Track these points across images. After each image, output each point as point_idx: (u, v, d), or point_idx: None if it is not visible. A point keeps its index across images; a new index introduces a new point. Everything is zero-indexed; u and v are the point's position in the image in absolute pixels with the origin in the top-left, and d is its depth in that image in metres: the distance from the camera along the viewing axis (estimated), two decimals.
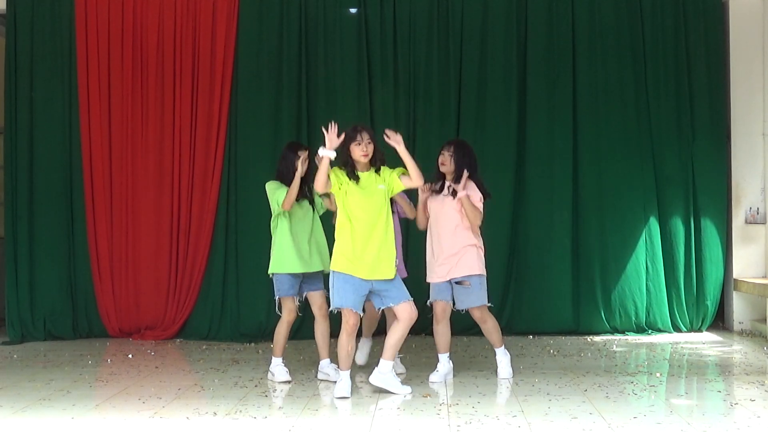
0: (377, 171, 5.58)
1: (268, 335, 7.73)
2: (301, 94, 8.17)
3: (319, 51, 8.22)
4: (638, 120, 8.18)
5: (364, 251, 5.44)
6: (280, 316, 6.11)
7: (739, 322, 8.26)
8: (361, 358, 6.48)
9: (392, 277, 5.52)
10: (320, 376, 6.13)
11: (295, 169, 5.88)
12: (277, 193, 5.95)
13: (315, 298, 6.09)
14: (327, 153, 5.40)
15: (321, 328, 6.10)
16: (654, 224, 8.10)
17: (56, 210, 8.13)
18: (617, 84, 8.20)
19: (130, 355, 7.13)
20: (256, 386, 5.86)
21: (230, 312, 8.01)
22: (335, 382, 5.69)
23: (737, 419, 4.79)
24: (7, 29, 8.26)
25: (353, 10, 8.24)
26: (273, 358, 6.12)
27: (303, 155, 5.94)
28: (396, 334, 5.57)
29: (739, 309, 8.28)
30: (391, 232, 5.58)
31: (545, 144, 8.17)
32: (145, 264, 8.09)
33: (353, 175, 5.51)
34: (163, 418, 4.96)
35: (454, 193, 5.86)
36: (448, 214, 5.90)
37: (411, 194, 6.14)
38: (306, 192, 6.04)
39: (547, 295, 8.08)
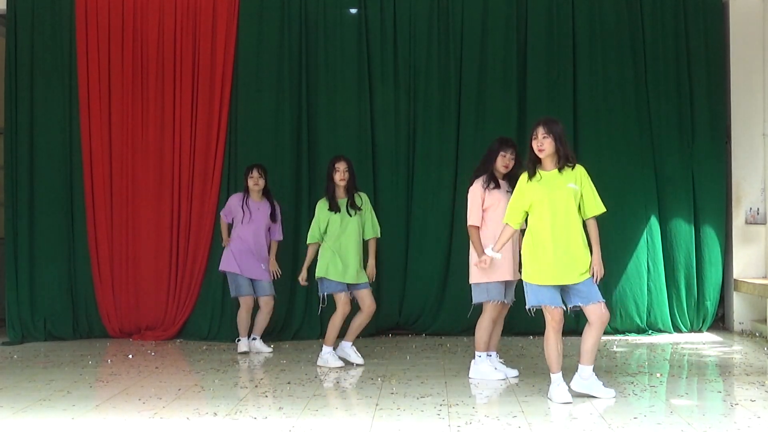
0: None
1: (267, 335, 7.73)
2: (301, 94, 8.18)
3: (319, 51, 8.23)
4: (638, 120, 8.18)
5: None
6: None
7: (739, 323, 8.26)
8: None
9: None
10: (339, 353, 6.67)
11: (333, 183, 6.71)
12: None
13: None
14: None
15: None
16: (655, 224, 8.09)
17: (56, 210, 8.13)
18: (617, 84, 8.19)
19: (130, 356, 7.13)
20: (256, 386, 5.86)
21: (230, 312, 7.99)
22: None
23: (737, 420, 4.79)
24: (7, 29, 8.27)
25: (353, 11, 8.25)
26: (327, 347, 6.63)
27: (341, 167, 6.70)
28: (591, 337, 5.33)
29: (740, 309, 8.27)
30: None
31: None
32: (145, 264, 8.09)
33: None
34: (164, 419, 4.95)
35: None
36: None
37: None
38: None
39: None
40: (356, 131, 8.18)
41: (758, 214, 8.29)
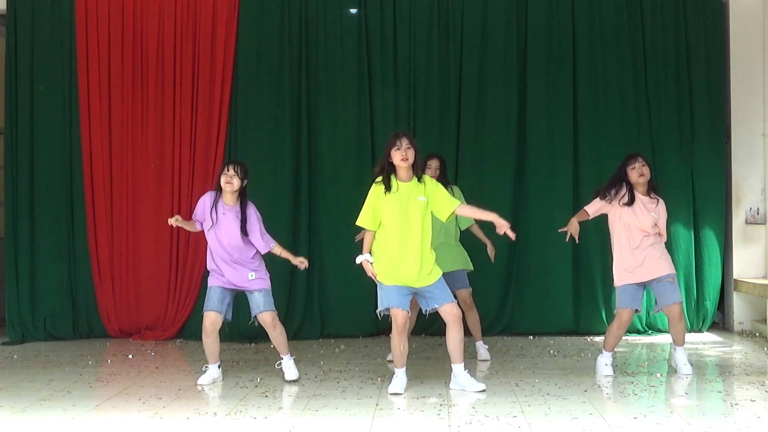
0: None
1: (267, 336, 7.72)
2: (301, 95, 8.18)
3: (319, 51, 8.23)
4: (638, 120, 8.19)
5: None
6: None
7: (739, 323, 8.26)
8: None
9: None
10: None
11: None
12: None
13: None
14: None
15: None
16: None
17: (56, 210, 8.13)
18: (617, 84, 8.20)
19: (130, 356, 7.14)
20: (256, 386, 5.86)
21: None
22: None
23: (737, 420, 4.79)
24: (7, 29, 8.27)
25: (353, 11, 8.25)
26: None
27: None
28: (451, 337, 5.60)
29: (740, 309, 8.28)
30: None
31: (545, 144, 8.17)
32: (145, 264, 8.09)
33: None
34: (164, 419, 4.95)
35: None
36: (648, 223, 6.07)
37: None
38: None
39: (548, 295, 8.08)
40: (356, 131, 8.18)
41: (758, 214, 8.29)
